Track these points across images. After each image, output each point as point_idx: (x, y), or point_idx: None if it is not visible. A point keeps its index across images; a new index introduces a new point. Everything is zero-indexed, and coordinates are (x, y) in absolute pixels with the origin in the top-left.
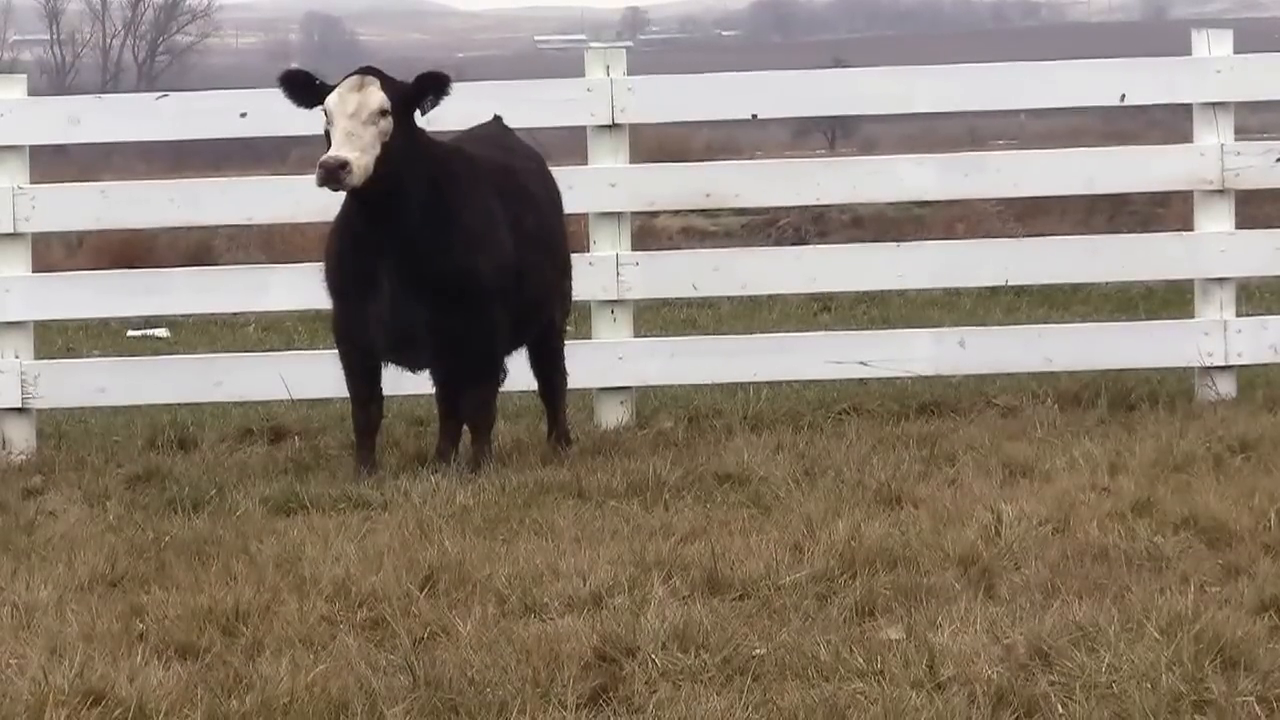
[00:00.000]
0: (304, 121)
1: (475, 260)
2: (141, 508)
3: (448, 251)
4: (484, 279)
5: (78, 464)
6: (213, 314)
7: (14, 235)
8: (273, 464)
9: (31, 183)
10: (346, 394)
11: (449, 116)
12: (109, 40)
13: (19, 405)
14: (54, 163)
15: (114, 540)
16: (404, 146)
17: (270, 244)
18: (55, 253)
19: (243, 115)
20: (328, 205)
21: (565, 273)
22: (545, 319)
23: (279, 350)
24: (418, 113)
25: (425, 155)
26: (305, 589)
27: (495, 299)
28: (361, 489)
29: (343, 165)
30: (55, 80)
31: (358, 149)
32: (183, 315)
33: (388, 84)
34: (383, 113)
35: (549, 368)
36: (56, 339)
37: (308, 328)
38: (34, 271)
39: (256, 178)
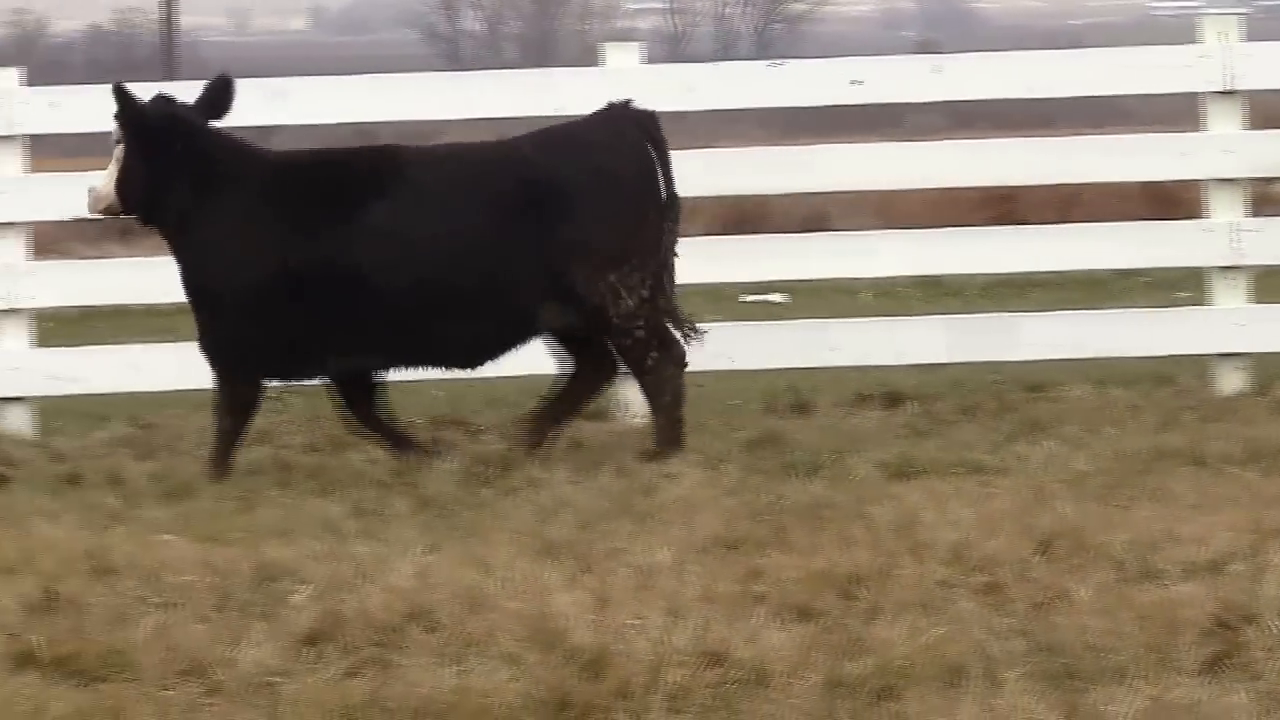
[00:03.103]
0: (917, 88)
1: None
2: (758, 471)
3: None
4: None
5: (696, 428)
6: (826, 279)
7: None
8: (888, 429)
9: None
10: (960, 360)
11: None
12: (723, 9)
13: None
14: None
15: (732, 504)
16: (142, 168)
17: (883, 210)
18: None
19: (854, 83)
20: (936, 171)
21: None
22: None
23: (892, 315)
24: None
25: (183, 170)
26: (922, 553)
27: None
28: (976, 455)
29: (91, 191)
30: (671, 49)
31: (105, 177)
32: (798, 280)
33: (126, 108)
34: (117, 140)
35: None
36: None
37: (924, 293)
38: None
39: (867, 144)
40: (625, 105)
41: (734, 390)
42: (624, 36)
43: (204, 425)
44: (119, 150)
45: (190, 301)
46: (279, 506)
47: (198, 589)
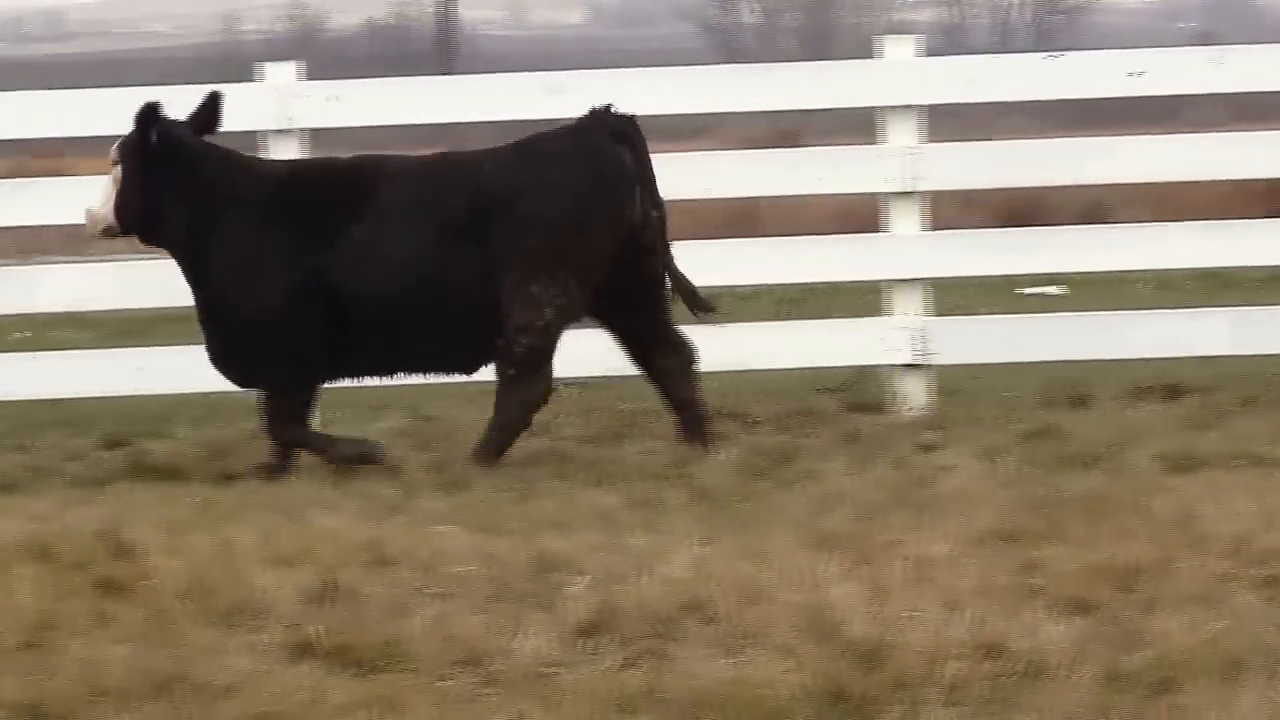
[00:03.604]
0: (1197, 80)
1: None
2: (1035, 464)
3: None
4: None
5: (972, 420)
6: (1105, 271)
7: (907, 194)
8: (1167, 421)
9: (925, 142)
10: (1243, 352)
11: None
12: (1002, 0)
13: (913, 361)
14: (942, 124)
15: (1009, 496)
16: (139, 190)
17: (1163, 202)
18: (944, 210)
19: (1133, 74)
20: (1217, 164)
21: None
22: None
23: (1171, 309)
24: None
25: (178, 191)
26: (1201, 546)
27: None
28: (1257, 448)
29: (87, 213)
30: (949, 41)
31: (101, 199)
32: (1077, 273)
33: (133, 131)
34: (113, 162)
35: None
36: (947, 296)
37: (1201, 285)
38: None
39: (1145, 136)
40: (604, 111)
41: (1011, 383)
42: (902, 29)
43: (482, 418)
44: (116, 171)
45: (211, 316)
46: (556, 498)
47: (475, 580)
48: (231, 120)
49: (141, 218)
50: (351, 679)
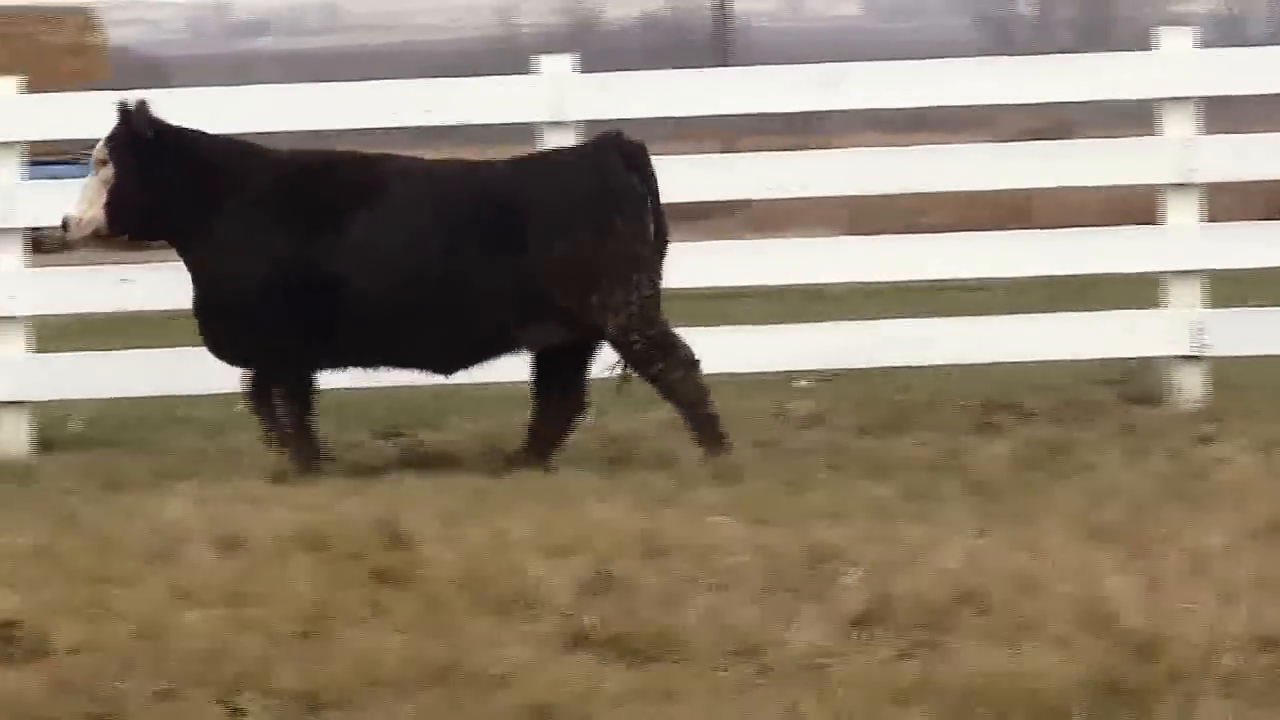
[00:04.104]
0: None
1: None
2: None
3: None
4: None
5: (1248, 412)
6: None
7: (1183, 186)
8: None
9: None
10: None
11: None
12: None
13: (1191, 354)
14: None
15: None
16: (138, 186)
17: None
18: (1221, 201)
19: None
20: None
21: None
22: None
23: None
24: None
25: (177, 183)
26: None
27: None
28: None
29: (64, 225)
30: (1227, 33)
31: (85, 202)
32: None
33: (119, 127)
34: (101, 162)
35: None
36: (1220, 288)
37: None
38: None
39: None
40: (615, 136)
41: None
42: (1179, 20)
43: (759, 407)
44: (105, 172)
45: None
46: (829, 489)
47: (748, 570)
48: (506, 111)
49: (142, 214)
50: (626, 669)
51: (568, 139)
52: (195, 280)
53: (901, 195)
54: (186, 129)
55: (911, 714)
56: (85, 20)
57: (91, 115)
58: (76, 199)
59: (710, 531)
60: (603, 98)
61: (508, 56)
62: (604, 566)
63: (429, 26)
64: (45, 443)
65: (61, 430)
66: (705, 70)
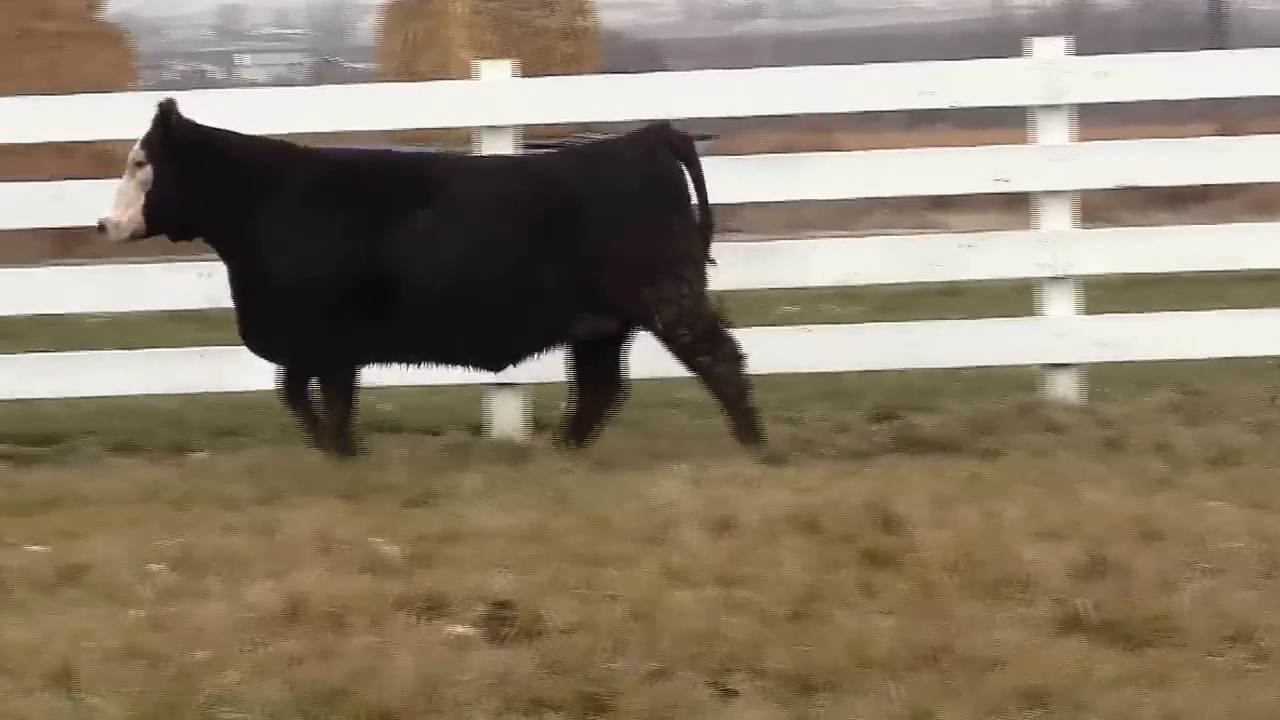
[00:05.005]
0: None
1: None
2: None
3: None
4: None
5: None
6: None
7: None
8: None
9: None
10: None
11: None
12: None
13: None
14: None
15: None
16: (171, 187)
17: None
18: None
19: None
20: None
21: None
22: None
23: None
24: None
25: (213, 184)
26: None
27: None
28: None
29: (101, 227)
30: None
31: (121, 205)
32: None
33: (155, 129)
34: (138, 164)
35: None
36: None
37: None
38: None
39: None
40: (663, 128)
41: None
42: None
43: (1254, 392)
44: (143, 174)
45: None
46: None
47: (1245, 556)
48: (999, 94)
49: (181, 214)
50: (1120, 653)
51: (1060, 123)
52: (240, 278)
53: None
54: (221, 130)
55: None
56: (578, 4)
57: (584, 99)
58: (112, 202)
59: (1206, 516)
60: (1098, 82)
61: (1001, 39)
62: (1097, 550)
63: (923, 9)
64: (539, 423)
65: (554, 412)
66: (1199, 53)
